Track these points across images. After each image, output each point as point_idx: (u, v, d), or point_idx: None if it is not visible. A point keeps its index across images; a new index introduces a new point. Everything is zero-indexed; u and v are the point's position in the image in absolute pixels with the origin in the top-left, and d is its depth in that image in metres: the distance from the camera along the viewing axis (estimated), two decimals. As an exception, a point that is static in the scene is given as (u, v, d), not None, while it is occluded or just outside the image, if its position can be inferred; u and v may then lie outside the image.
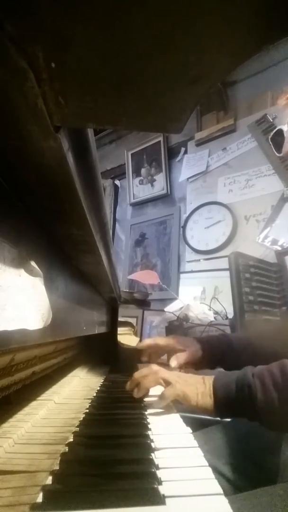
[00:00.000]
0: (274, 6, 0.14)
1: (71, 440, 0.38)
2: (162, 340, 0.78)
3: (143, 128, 0.22)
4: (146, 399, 0.57)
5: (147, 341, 0.79)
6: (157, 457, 0.34)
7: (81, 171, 0.28)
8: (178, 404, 0.54)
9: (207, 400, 0.51)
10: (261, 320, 1.34)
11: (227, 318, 1.48)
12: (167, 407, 0.53)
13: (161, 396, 0.52)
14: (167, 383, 0.54)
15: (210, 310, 1.57)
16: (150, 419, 0.47)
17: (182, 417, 0.49)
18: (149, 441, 0.37)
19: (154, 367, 0.58)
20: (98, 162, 0.31)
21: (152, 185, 2.45)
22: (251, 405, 0.48)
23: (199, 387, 0.52)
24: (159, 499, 0.26)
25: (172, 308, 1.60)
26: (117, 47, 0.16)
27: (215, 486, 0.28)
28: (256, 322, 1.30)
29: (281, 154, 1.33)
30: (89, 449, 0.36)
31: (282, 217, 1.73)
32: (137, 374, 0.58)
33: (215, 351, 0.75)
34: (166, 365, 0.68)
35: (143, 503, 0.25)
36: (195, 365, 0.75)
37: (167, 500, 0.26)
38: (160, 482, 0.28)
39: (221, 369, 0.72)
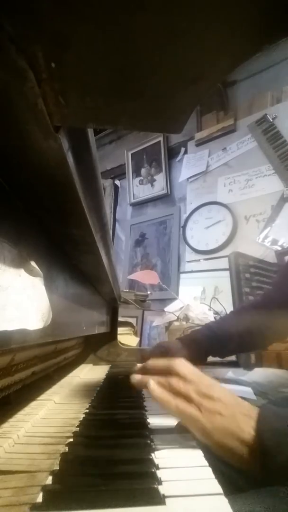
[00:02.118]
0: (274, 6, 0.14)
1: (71, 440, 0.38)
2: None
3: (143, 128, 0.22)
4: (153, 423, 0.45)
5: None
6: (157, 457, 0.33)
7: (81, 171, 0.28)
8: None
9: (245, 451, 0.34)
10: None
11: (227, 318, 1.48)
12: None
13: (176, 429, 0.40)
14: (187, 414, 0.37)
15: (210, 310, 1.57)
16: (150, 419, 0.47)
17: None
18: (149, 441, 0.37)
19: (178, 366, 0.42)
20: (98, 162, 0.31)
21: (152, 185, 2.45)
22: None
23: (239, 431, 0.34)
24: (159, 499, 0.26)
25: (172, 308, 1.60)
26: (117, 47, 0.16)
27: (215, 486, 0.28)
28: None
29: None
30: (89, 449, 0.36)
31: (282, 217, 1.73)
32: (151, 364, 0.46)
33: (201, 348, 0.74)
34: None
35: (143, 503, 0.25)
36: None
37: (167, 500, 0.26)
38: (160, 482, 0.28)
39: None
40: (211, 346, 0.75)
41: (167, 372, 0.42)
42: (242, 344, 0.80)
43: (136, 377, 0.44)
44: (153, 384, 0.40)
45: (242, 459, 0.35)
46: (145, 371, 0.46)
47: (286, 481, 0.33)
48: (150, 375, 0.43)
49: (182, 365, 0.42)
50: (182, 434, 0.39)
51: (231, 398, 0.38)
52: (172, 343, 0.76)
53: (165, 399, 0.39)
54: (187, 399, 0.38)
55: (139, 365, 0.48)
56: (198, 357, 0.73)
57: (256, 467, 0.34)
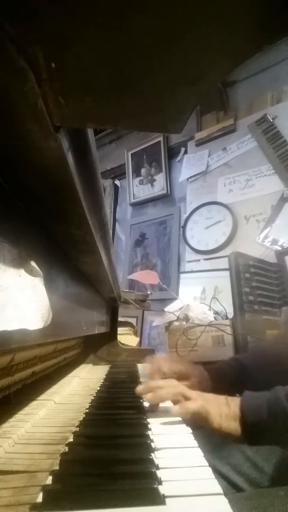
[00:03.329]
0: (274, 6, 0.14)
1: (71, 440, 0.38)
2: (166, 366, 0.67)
3: (143, 128, 0.22)
4: (161, 405, 0.51)
5: (152, 369, 0.67)
6: (157, 457, 0.33)
7: (81, 171, 0.28)
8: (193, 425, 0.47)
9: (232, 424, 0.46)
10: (263, 321, 1.32)
11: (227, 318, 1.48)
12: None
13: (181, 408, 0.46)
14: (186, 399, 0.48)
15: (210, 310, 1.56)
16: (150, 419, 0.47)
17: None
18: (149, 441, 0.37)
19: (173, 381, 0.53)
20: (98, 162, 0.31)
21: (152, 185, 2.45)
22: (286, 432, 0.44)
23: (223, 409, 0.47)
24: (159, 499, 0.26)
25: (172, 308, 1.60)
26: (117, 47, 0.16)
27: (215, 486, 0.28)
28: (259, 323, 1.27)
29: None
30: (89, 449, 0.36)
31: (282, 217, 1.73)
32: (153, 383, 0.53)
33: (227, 379, 0.68)
34: None
35: (143, 503, 0.25)
36: None
37: (167, 500, 0.26)
38: (160, 482, 0.28)
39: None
40: (238, 378, 0.68)
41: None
42: (274, 378, 0.69)
43: (139, 388, 0.52)
44: (155, 381, 0.53)
45: (231, 430, 0.47)
46: (148, 390, 0.52)
47: (257, 441, 0.48)
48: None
49: (182, 385, 0.51)
50: (181, 413, 0.46)
51: (221, 397, 0.50)
52: (195, 368, 0.69)
53: (170, 384, 0.51)
54: (188, 396, 0.48)
55: (145, 385, 0.53)
56: (222, 389, 0.65)
57: (240, 435, 0.46)
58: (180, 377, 0.65)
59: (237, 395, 0.65)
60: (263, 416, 0.46)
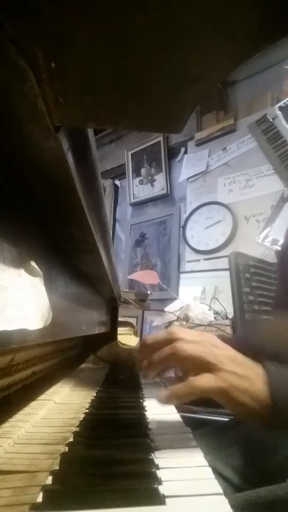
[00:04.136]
0: (274, 6, 0.14)
1: (71, 440, 0.38)
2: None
3: (143, 128, 0.22)
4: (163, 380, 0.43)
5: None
6: (157, 457, 0.33)
7: (81, 171, 0.28)
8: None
9: (257, 406, 0.37)
10: (260, 320, 1.33)
11: (227, 318, 1.48)
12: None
13: (189, 385, 0.37)
14: (202, 365, 0.38)
15: (210, 310, 1.57)
16: (150, 419, 0.47)
17: (182, 416, 0.49)
18: (149, 441, 0.37)
19: (179, 331, 0.41)
20: (98, 162, 0.31)
21: (152, 185, 2.45)
22: None
23: (253, 386, 0.37)
24: (159, 499, 0.26)
25: (172, 308, 1.60)
26: (117, 47, 0.16)
27: (215, 486, 0.28)
28: (255, 322, 1.28)
29: None
30: (89, 449, 0.36)
31: (282, 217, 1.73)
32: (150, 339, 0.44)
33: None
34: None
35: (143, 503, 0.25)
36: None
37: (167, 500, 0.26)
38: (160, 482, 0.28)
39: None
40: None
41: (169, 342, 0.41)
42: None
43: (162, 394, 0.40)
44: (170, 392, 0.39)
45: (254, 413, 0.37)
46: (146, 349, 0.44)
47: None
48: (153, 354, 0.42)
49: (182, 330, 0.42)
50: (178, 428, 0.40)
51: (241, 357, 0.40)
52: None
53: (182, 392, 0.38)
54: (199, 361, 0.38)
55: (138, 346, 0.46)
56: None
57: (265, 420, 0.37)
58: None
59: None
60: None
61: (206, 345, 0.40)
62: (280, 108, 1.78)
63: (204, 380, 0.37)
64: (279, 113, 1.79)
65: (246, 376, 0.38)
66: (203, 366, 0.38)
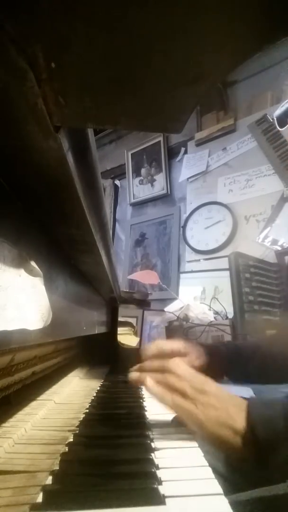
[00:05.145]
0: (274, 6, 0.14)
1: (71, 440, 0.38)
2: (167, 345, 0.62)
3: (143, 128, 0.22)
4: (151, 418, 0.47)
5: (151, 350, 0.60)
6: (157, 457, 0.34)
7: (81, 171, 0.28)
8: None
9: (237, 439, 0.38)
10: (263, 321, 1.33)
11: (227, 318, 1.48)
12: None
13: (173, 422, 0.43)
14: (183, 408, 0.41)
15: (210, 310, 1.57)
16: (150, 419, 0.47)
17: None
18: (149, 441, 0.37)
19: (173, 365, 0.45)
20: (98, 162, 0.31)
21: (152, 185, 2.45)
22: None
23: (231, 422, 0.38)
24: (159, 499, 0.26)
25: (172, 308, 1.60)
26: (117, 47, 0.16)
27: (215, 486, 0.28)
28: (259, 323, 1.28)
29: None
30: (89, 449, 0.36)
31: (282, 217, 1.73)
32: (148, 365, 0.48)
33: (223, 359, 0.67)
34: None
35: (143, 503, 0.25)
36: None
37: (167, 500, 0.26)
38: (160, 482, 0.28)
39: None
40: (232, 359, 0.68)
41: (163, 371, 0.46)
42: (263, 366, 0.69)
43: (134, 375, 0.48)
44: (150, 381, 0.45)
45: (234, 447, 0.38)
46: (142, 371, 0.49)
47: (270, 461, 0.39)
48: (148, 374, 0.46)
49: (176, 364, 0.46)
50: (178, 428, 0.42)
51: (223, 392, 0.42)
52: (192, 345, 0.67)
53: (162, 394, 0.43)
54: (183, 394, 0.42)
55: (136, 366, 0.51)
56: (217, 367, 0.65)
57: (246, 452, 0.38)
58: (178, 354, 0.61)
59: (225, 377, 0.65)
60: (279, 429, 0.36)
61: (192, 380, 0.43)
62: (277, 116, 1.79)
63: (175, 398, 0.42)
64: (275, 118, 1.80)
65: (225, 407, 0.39)
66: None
